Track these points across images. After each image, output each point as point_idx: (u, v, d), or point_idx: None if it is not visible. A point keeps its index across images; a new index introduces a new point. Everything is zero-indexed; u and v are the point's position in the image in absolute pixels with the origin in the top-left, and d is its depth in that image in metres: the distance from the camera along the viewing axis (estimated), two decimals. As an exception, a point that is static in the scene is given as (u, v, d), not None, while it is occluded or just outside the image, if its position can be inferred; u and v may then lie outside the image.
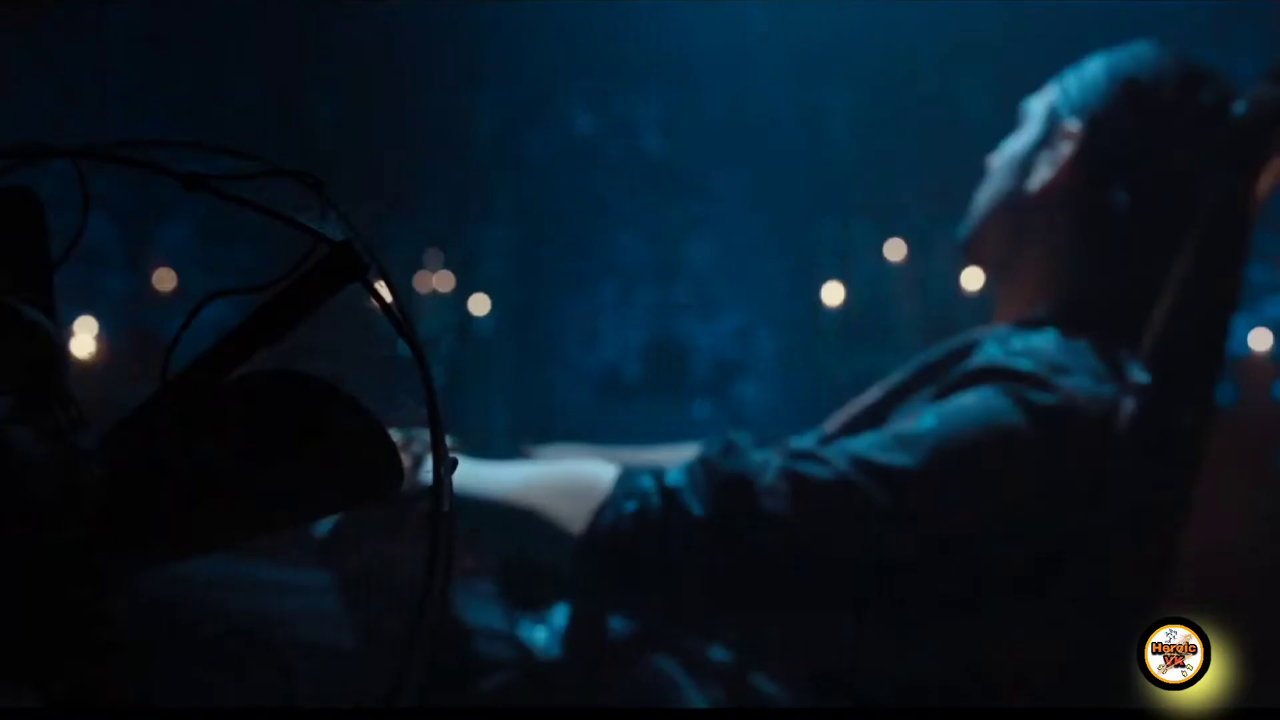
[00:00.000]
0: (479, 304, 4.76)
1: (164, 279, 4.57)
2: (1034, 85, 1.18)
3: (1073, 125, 1.02)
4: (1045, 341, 0.98)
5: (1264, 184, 0.95)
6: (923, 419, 0.90)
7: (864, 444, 0.89)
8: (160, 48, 4.72)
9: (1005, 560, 0.89)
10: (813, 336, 4.86)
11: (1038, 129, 1.06)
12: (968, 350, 1.01)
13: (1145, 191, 1.00)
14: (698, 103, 5.30)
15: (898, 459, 0.87)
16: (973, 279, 4.27)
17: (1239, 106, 0.98)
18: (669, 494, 0.87)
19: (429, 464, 1.00)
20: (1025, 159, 1.08)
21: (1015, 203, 1.06)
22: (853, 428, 0.99)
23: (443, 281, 4.53)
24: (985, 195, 1.12)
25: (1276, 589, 2.58)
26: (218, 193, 0.54)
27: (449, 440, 1.04)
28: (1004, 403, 0.90)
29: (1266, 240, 4.53)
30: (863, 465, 0.87)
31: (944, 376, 0.95)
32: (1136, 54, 1.07)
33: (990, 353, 0.96)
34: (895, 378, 1.06)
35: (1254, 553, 2.84)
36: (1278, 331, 3.99)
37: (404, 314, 0.56)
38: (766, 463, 0.88)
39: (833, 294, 4.49)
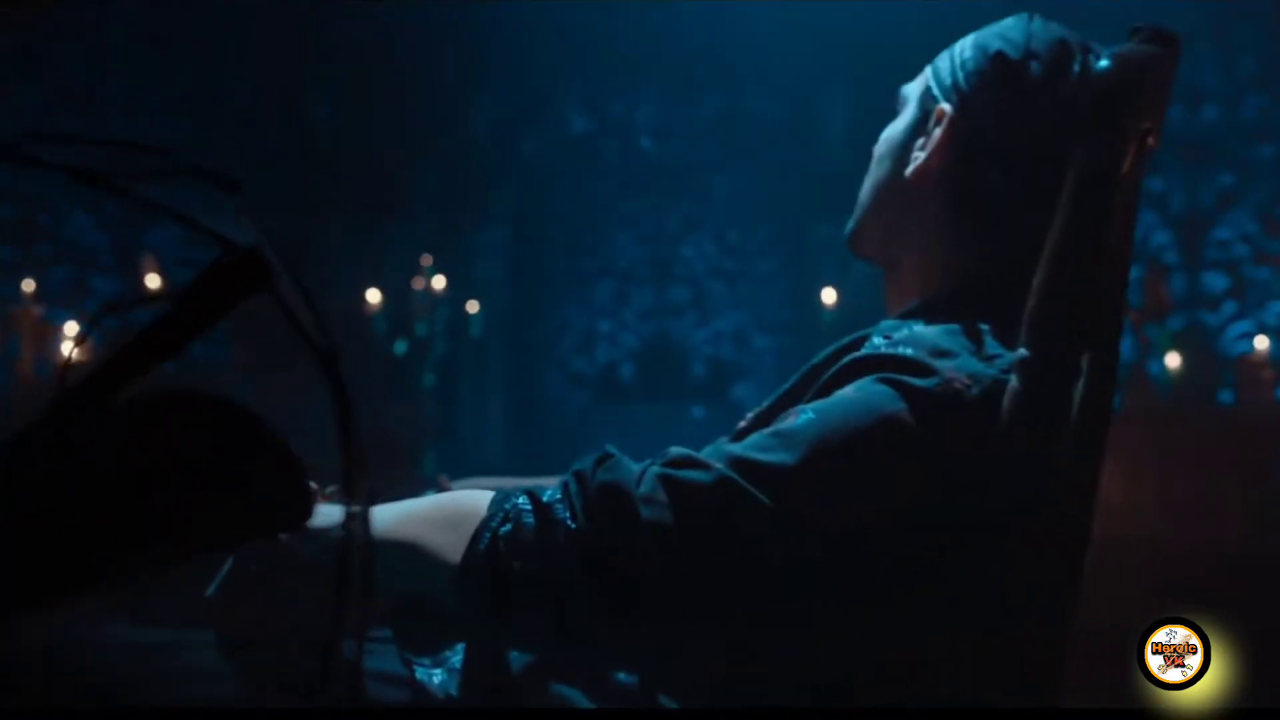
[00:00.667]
0: (474, 305, 4.72)
1: (153, 281, 4.56)
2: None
3: (944, 107, 0.99)
4: (926, 327, 0.95)
5: (1131, 144, 0.92)
6: (802, 414, 0.87)
7: (743, 445, 0.85)
8: (159, 48, 4.70)
9: (899, 552, 0.86)
10: (809, 339, 4.82)
11: (912, 113, 1.03)
12: (854, 347, 0.98)
13: (1019, 170, 0.97)
14: (696, 105, 5.28)
15: (777, 456, 0.84)
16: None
17: (1103, 64, 0.94)
18: (543, 510, 0.83)
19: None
20: (901, 145, 1.04)
21: (893, 191, 1.02)
22: (751, 428, 0.96)
23: (438, 283, 4.49)
24: (865, 187, 1.08)
25: (1276, 589, 2.57)
26: (118, 191, 0.50)
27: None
28: (882, 389, 0.87)
29: (1270, 244, 4.49)
30: (742, 465, 0.83)
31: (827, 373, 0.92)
32: (1004, 29, 1.02)
33: (872, 344, 0.94)
34: (786, 384, 1.03)
35: (1254, 553, 2.83)
36: (1279, 333, 3.95)
37: (319, 324, 0.52)
38: (644, 470, 0.84)
39: (829, 296, 4.45)
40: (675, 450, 0.87)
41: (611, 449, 0.87)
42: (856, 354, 0.90)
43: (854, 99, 4.72)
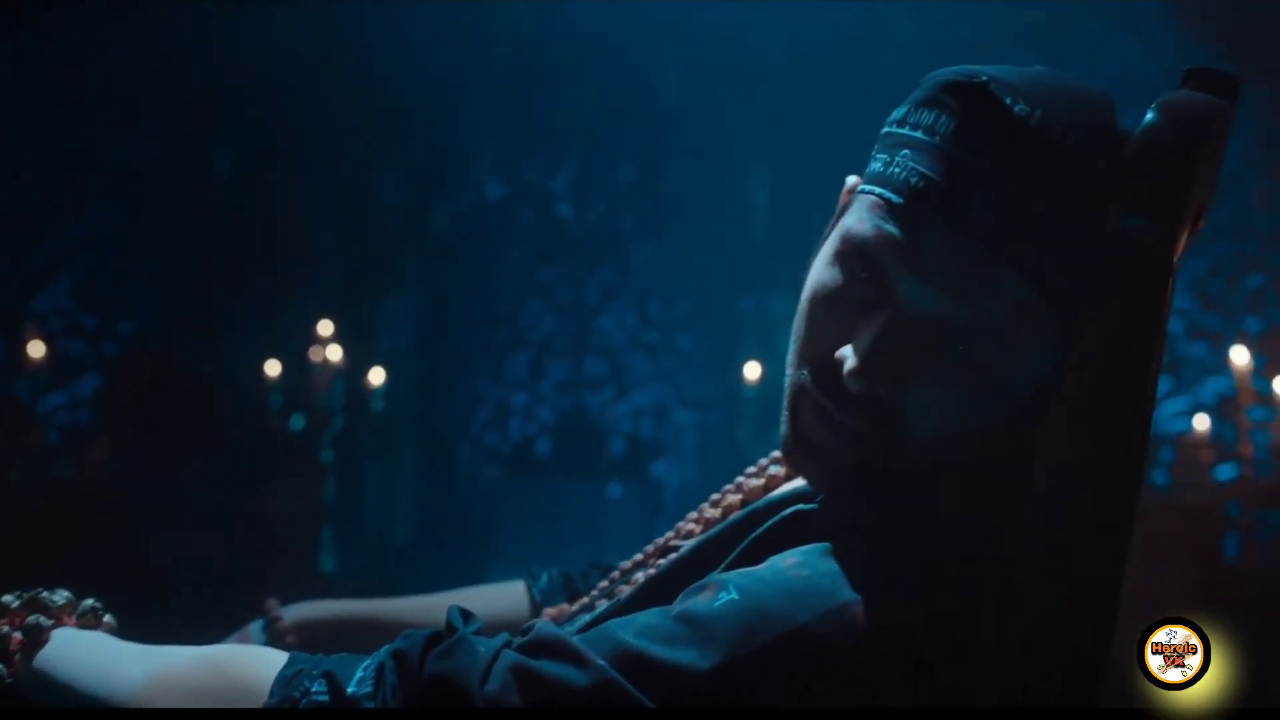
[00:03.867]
0: (379, 376, 4.47)
1: (37, 348, 4.31)
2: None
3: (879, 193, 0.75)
4: (896, 478, 0.73)
5: (1185, 229, 0.67)
6: (722, 593, 0.64)
7: (638, 628, 0.62)
8: (46, 99, 4.46)
9: None
10: (731, 415, 4.65)
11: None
12: (793, 500, 0.76)
13: (1021, 269, 0.72)
14: (614, 172, 5.12)
15: (684, 655, 0.62)
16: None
17: (1150, 117, 0.67)
18: (344, 705, 0.60)
19: (54, 639, 0.75)
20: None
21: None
22: (649, 594, 0.71)
23: (334, 353, 4.25)
24: (806, 297, 0.80)
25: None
26: None
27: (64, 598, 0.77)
28: (831, 567, 0.63)
29: (1206, 319, 4.41)
30: (633, 663, 0.61)
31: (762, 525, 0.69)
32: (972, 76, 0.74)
33: (818, 500, 0.71)
34: (716, 528, 0.79)
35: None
36: (1216, 411, 3.86)
37: None
38: (495, 657, 0.61)
39: (752, 372, 4.29)
40: (542, 628, 0.64)
41: (455, 618, 0.64)
42: (801, 507, 0.67)
43: (778, 169, 4.61)
